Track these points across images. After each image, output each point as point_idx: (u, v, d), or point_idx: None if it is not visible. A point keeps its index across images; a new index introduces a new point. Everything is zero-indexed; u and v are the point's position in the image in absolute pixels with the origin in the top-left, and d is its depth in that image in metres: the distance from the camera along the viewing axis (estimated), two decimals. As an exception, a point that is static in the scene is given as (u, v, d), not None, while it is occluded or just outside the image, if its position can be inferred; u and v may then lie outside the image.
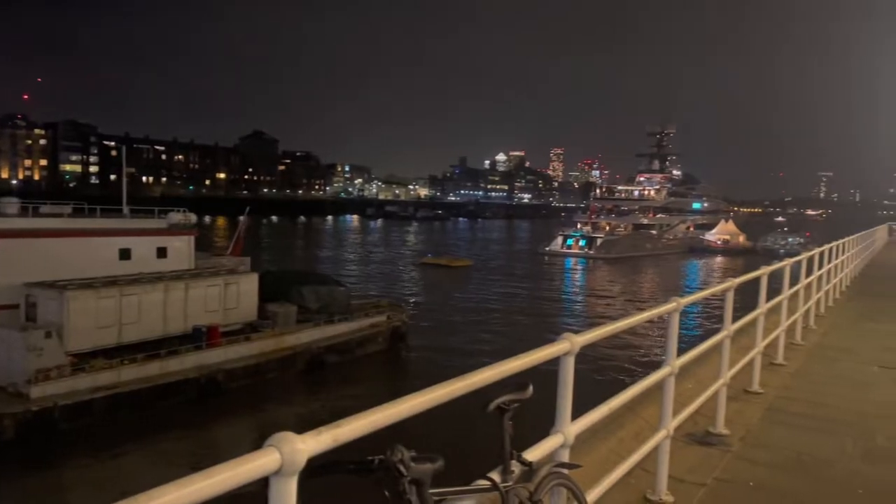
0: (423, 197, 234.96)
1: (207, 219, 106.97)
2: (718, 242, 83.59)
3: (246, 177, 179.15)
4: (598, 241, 73.30)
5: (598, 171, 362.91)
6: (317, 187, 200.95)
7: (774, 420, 6.14)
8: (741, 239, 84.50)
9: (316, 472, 1.71)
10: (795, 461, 5.15)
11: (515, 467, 2.50)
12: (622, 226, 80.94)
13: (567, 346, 2.85)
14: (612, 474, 3.63)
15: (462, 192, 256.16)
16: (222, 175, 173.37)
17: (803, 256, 9.89)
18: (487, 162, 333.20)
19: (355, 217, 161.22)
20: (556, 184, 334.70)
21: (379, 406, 1.78)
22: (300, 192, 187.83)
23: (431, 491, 1.95)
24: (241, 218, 30.94)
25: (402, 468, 1.73)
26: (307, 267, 49.87)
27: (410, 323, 30.68)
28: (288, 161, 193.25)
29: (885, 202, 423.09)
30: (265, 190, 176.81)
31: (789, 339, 9.41)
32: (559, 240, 76.79)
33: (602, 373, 22.82)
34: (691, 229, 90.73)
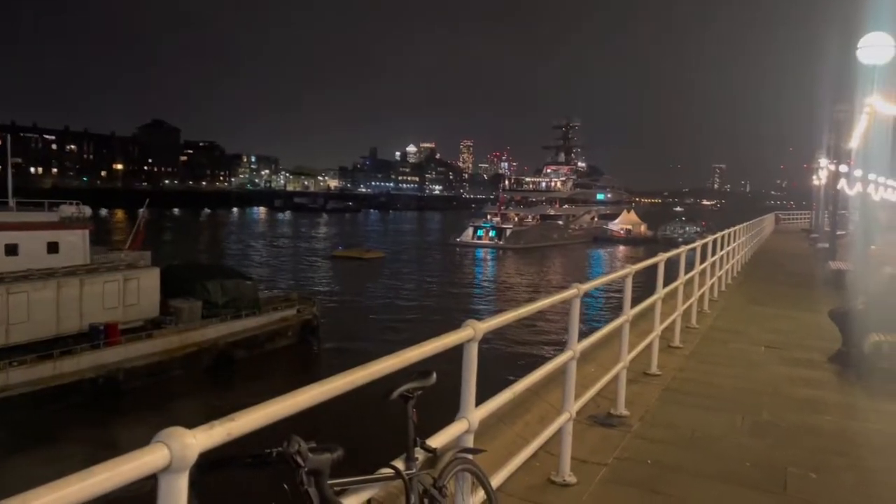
0: (333, 188, 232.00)
1: (104, 212, 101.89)
2: (621, 232, 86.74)
3: (146, 168, 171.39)
4: (508, 232, 74.63)
5: (506, 164, 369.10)
6: (221, 178, 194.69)
7: (671, 400, 6.43)
8: (642, 228, 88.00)
9: (211, 468, 1.66)
10: (689, 438, 5.43)
11: (420, 454, 2.52)
12: (530, 217, 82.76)
13: (470, 332, 2.89)
14: (517, 458, 3.72)
15: (373, 183, 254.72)
16: (119, 166, 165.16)
17: (697, 244, 10.40)
18: (398, 153, 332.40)
19: (262, 209, 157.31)
20: (466, 176, 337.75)
21: (276, 398, 1.74)
22: (204, 183, 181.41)
23: (332, 481, 1.94)
24: (141, 211, 29.62)
25: (298, 459, 1.71)
26: (212, 261, 48.35)
27: (322, 316, 30.30)
28: (190, 151, 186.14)
29: (773, 192, 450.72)
30: (166, 181, 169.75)
31: (685, 322, 9.89)
32: (470, 231, 77.66)
33: (509, 359, 23.25)
34: (596, 220, 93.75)
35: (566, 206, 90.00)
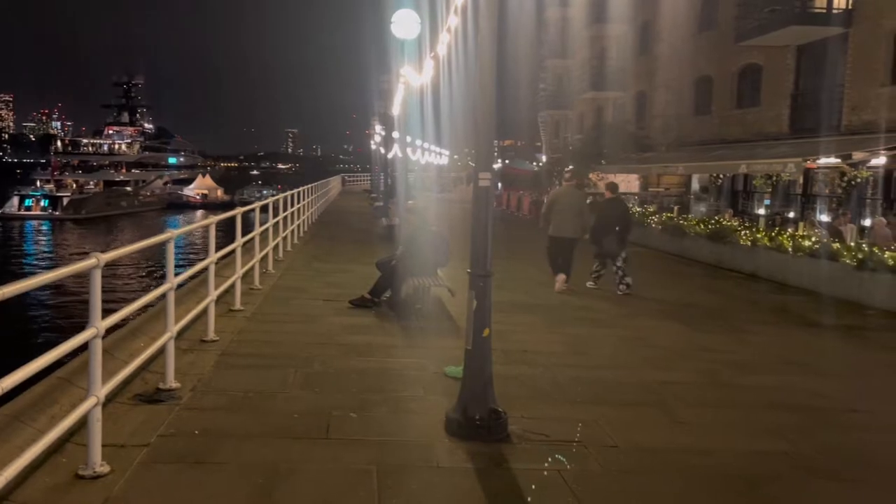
0: None
1: None
2: (197, 197, 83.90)
3: None
4: (65, 201, 65.90)
5: (59, 123, 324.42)
6: None
7: (227, 364, 6.33)
8: (219, 193, 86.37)
9: None
10: (242, 400, 5.39)
11: None
12: (92, 183, 74.45)
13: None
14: (19, 461, 3.16)
15: None
16: None
17: (256, 205, 10.45)
18: None
19: None
20: (5, 136, 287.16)
21: None
22: None
23: None
24: None
25: None
26: None
27: None
28: None
29: (342, 157, 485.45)
30: None
31: (248, 284, 9.91)
32: (15, 200, 66.38)
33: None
34: (169, 185, 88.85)
35: (134, 170, 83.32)
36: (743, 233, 15.30)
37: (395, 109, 19.30)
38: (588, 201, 13.22)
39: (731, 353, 7.97)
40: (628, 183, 29.40)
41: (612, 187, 12.33)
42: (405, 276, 9.03)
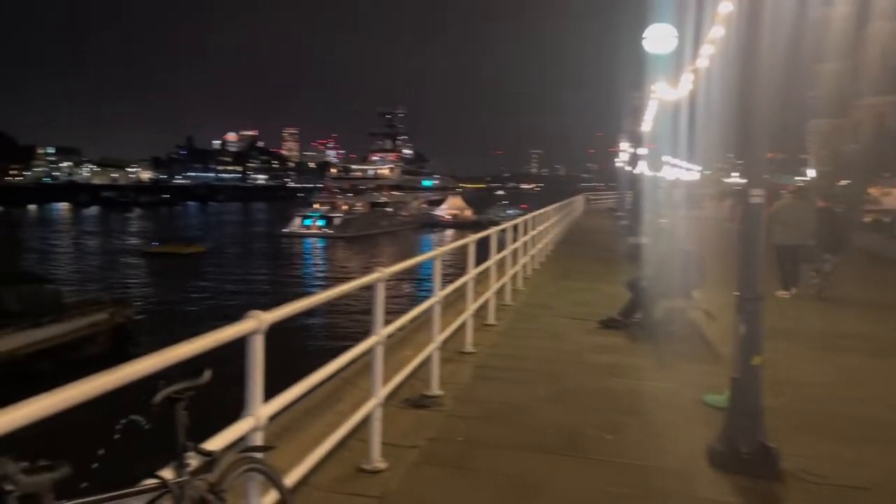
0: (145, 181, 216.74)
1: None
2: (448, 217, 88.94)
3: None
4: (337, 221, 73.84)
5: (333, 151, 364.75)
6: (13, 173, 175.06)
7: (483, 376, 6.64)
8: (468, 213, 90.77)
9: None
10: (498, 411, 5.62)
11: (195, 460, 2.34)
12: (359, 204, 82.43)
13: (253, 324, 2.74)
14: (320, 449, 3.62)
15: (191, 174, 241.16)
16: None
17: (507, 225, 10.84)
18: (217, 142, 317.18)
19: (65, 205, 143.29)
20: (291, 164, 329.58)
21: (-15, 416, 1.51)
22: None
23: (75, 502, 1.74)
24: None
25: (7, 485, 1.49)
26: (5, 264, 43.35)
27: (138, 318, 28.19)
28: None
29: (584, 175, 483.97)
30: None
31: (500, 300, 10.29)
32: (297, 221, 75.89)
33: (323, 347, 23.05)
34: (423, 206, 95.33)
35: (394, 192, 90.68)
36: None
37: (645, 125, 18.84)
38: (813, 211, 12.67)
39: None
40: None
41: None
42: (657, 297, 8.76)
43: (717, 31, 9.19)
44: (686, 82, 12.15)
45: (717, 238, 14.31)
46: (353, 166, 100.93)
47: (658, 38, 13.04)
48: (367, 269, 4.47)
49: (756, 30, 4.57)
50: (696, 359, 7.60)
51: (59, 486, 1.63)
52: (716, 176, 67.18)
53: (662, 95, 15.05)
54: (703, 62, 10.55)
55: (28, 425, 1.60)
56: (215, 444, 2.49)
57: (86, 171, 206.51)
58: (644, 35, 13.05)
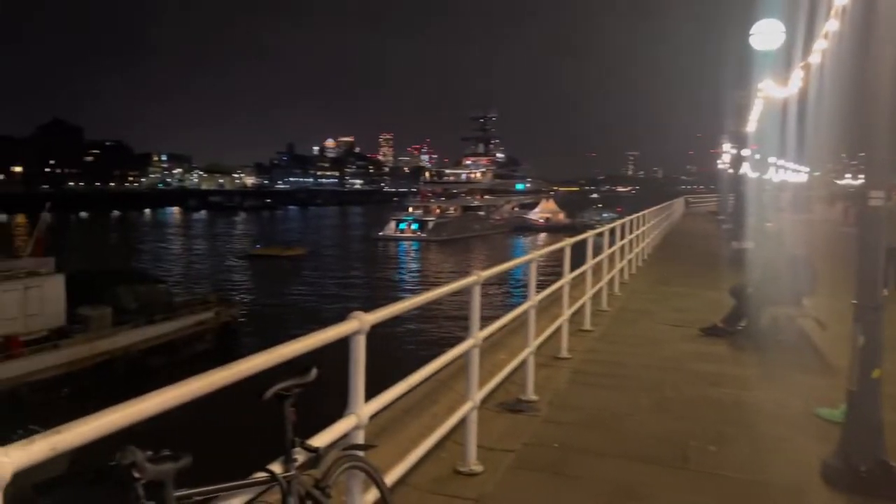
0: (249, 186, 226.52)
1: (4, 217, 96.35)
2: (541, 220, 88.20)
3: (47, 169, 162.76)
4: (430, 224, 74.72)
5: (427, 156, 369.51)
6: (131, 179, 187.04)
7: (579, 382, 6.54)
8: (561, 216, 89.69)
9: (41, 489, 1.52)
10: (596, 418, 5.52)
11: (302, 455, 2.42)
12: (452, 208, 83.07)
13: (356, 325, 2.81)
14: (418, 449, 3.66)
15: (291, 179, 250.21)
16: (18, 168, 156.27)
17: (604, 229, 10.62)
18: (316, 148, 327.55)
19: (176, 209, 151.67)
20: (386, 169, 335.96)
21: (117, 405, 1.61)
22: (112, 184, 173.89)
23: (191, 491, 1.83)
24: (42, 214, 27.99)
25: (135, 472, 1.59)
26: (123, 265, 46.34)
27: (242, 317, 29.51)
28: (96, 151, 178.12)
29: (683, 177, 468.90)
30: (70, 183, 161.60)
31: (596, 306, 10.09)
32: (392, 224, 77.30)
33: (423, 350, 23.30)
34: (516, 209, 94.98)
35: (487, 196, 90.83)
36: None
37: (749, 126, 18.05)
38: None
39: None
40: None
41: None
42: (763, 304, 8.36)
43: (830, 25, 8.68)
44: (796, 79, 11.54)
45: (830, 243, 13.53)
46: (447, 171, 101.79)
47: (766, 35, 12.46)
48: (460, 273, 4.51)
49: (875, 20, 4.29)
50: (805, 370, 7.20)
51: (180, 475, 1.72)
52: (826, 178, 63.56)
53: (769, 94, 14.37)
54: (814, 58, 9.99)
55: (152, 416, 1.70)
56: (320, 440, 2.57)
57: (195, 177, 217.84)
58: (751, 31, 12.50)
